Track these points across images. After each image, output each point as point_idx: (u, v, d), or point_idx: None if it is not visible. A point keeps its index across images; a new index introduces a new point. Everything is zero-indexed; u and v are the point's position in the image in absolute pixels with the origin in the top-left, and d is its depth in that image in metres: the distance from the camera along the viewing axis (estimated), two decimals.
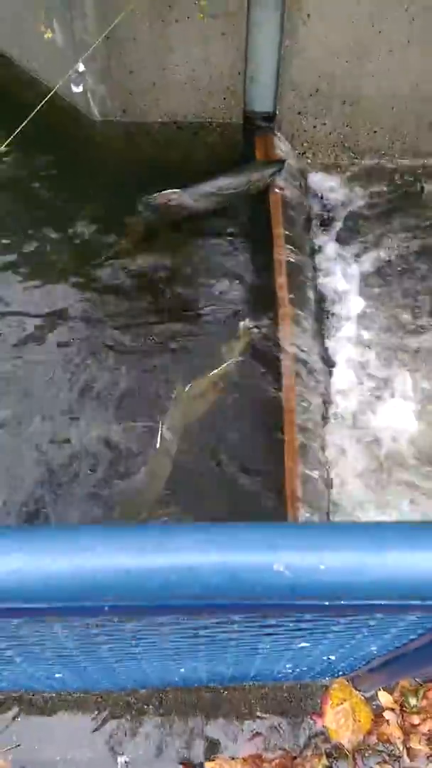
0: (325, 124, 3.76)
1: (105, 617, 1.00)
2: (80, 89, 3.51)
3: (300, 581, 0.75)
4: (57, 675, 1.43)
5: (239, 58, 3.50)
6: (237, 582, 0.75)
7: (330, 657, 1.41)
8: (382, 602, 0.97)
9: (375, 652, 1.45)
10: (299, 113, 3.71)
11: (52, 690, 2.01)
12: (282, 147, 3.79)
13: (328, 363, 3.19)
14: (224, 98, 3.68)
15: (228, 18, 3.28)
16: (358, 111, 3.68)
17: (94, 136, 3.72)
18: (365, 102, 3.62)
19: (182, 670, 1.45)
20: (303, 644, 1.23)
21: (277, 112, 3.78)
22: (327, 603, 0.98)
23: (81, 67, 3.16)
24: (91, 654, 1.22)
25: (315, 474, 2.71)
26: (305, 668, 1.62)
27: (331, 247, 3.58)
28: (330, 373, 3.17)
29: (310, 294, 3.35)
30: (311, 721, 2.22)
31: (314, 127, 3.78)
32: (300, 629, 1.11)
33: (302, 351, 3.01)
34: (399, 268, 3.55)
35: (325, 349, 3.25)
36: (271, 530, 0.77)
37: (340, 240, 3.61)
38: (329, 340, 3.26)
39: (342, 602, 0.98)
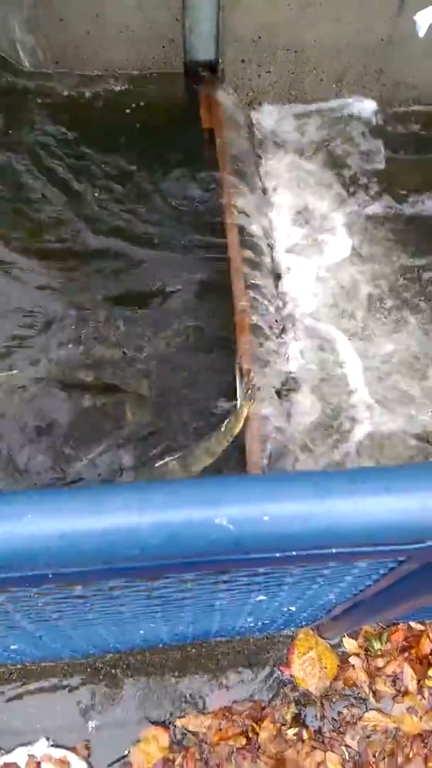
0: (269, 72, 3.64)
1: (49, 586, 0.96)
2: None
3: (244, 534, 0.72)
4: (13, 647, 1.40)
5: (177, 6, 3.33)
6: (178, 540, 0.72)
7: (290, 608, 1.41)
8: (333, 551, 0.96)
9: (334, 601, 1.45)
10: (242, 61, 3.58)
11: (12, 662, 1.98)
12: (226, 97, 3.67)
13: None
14: (163, 47, 3.52)
15: None
16: (302, 59, 3.57)
17: (26, 88, 3.52)
18: (309, 50, 3.51)
19: (142, 632, 1.43)
20: (260, 597, 1.21)
21: (220, 61, 3.64)
22: (278, 555, 0.97)
23: None
24: (43, 623, 1.18)
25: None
26: (267, 621, 1.62)
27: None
28: None
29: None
30: (279, 672, 2.26)
31: (259, 76, 3.66)
32: (255, 583, 1.09)
33: None
34: None
35: None
36: (212, 484, 0.74)
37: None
38: None
39: (293, 553, 0.97)
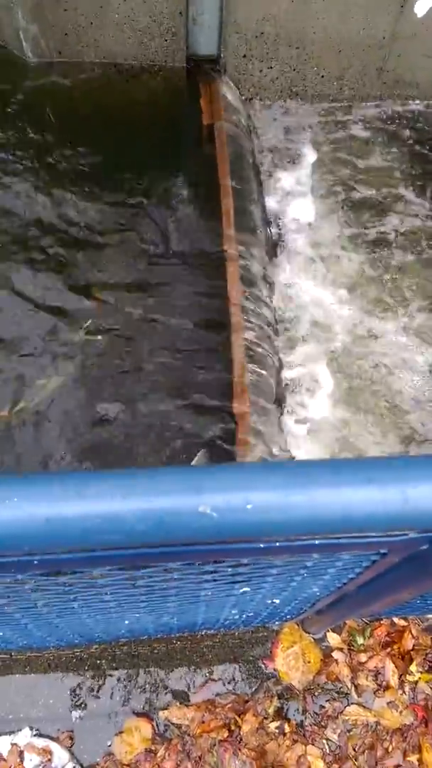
0: (271, 68, 3.64)
1: (35, 572, 0.97)
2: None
3: (226, 522, 0.73)
4: None
5: None
6: (162, 526, 0.72)
7: (274, 600, 1.42)
8: (316, 542, 0.97)
9: (318, 594, 1.47)
10: (244, 56, 3.58)
11: None
12: (228, 92, 3.67)
13: None
14: (165, 40, 3.51)
15: None
16: (304, 55, 3.58)
17: (28, 78, 3.51)
18: (311, 46, 3.52)
19: (126, 622, 1.44)
20: (244, 589, 1.22)
21: (222, 56, 3.64)
22: (262, 546, 0.98)
23: None
24: (29, 611, 1.19)
25: None
26: (251, 614, 1.63)
27: None
28: None
29: None
30: (262, 665, 2.27)
31: (260, 71, 3.66)
32: (239, 574, 1.10)
33: None
34: None
35: None
36: (196, 472, 0.75)
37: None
38: None
39: (276, 544, 0.98)
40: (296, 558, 1.07)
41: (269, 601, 1.43)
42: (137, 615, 1.34)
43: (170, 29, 3.46)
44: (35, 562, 0.93)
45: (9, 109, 3.37)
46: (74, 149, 3.29)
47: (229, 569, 1.06)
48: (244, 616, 1.65)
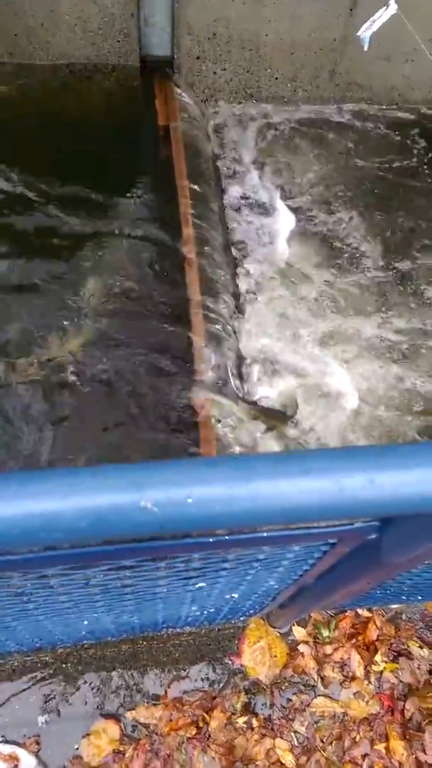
0: (225, 69, 3.67)
1: None
2: None
3: (168, 516, 0.74)
4: None
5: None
6: (104, 523, 0.73)
7: (232, 595, 1.44)
8: (264, 534, 0.99)
9: (276, 587, 1.49)
10: (198, 58, 3.60)
11: None
12: (183, 93, 3.68)
13: None
14: (118, 41, 3.51)
15: None
16: (257, 57, 3.61)
17: None
18: (264, 48, 3.55)
19: (86, 622, 1.44)
20: (200, 584, 1.24)
21: (176, 57, 3.65)
22: (211, 540, 1.00)
23: None
24: None
25: None
26: (212, 609, 1.65)
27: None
28: None
29: None
30: (229, 662, 2.29)
31: (214, 72, 3.68)
32: (192, 569, 1.11)
33: None
34: None
35: None
36: (137, 469, 0.75)
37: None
38: None
39: (225, 537, 1.00)
40: (247, 551, 1.08)
41: (228, 596, 1.45)
42: (95, 615, 1.34)
43: (122, 30, 3.46)
44: None
45: None
46: (27, 149, 3.26)
47: (182, 564, 1.07)
48: (205, 612, 1.66)
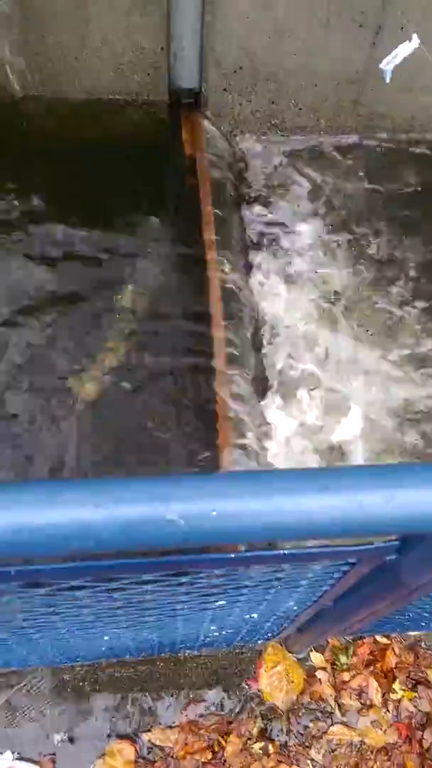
0: (250, 101, 3.77)
1: (12, 583, 0.99)
2: None
3: (193, 528, 0.77)
4: None
5: (162, 33, 3.45)
6: (130, 533, 0.76)
7: (252, 615, 1.45)
8: (284, 552, 1.01)
9: (296, 609, 1.50)
10: (225, 90, 3.70)
11: None
12: (209, 125, 3.78)
13: None
14: (148, 74, 3.63)
15: None
16: (282, 89, 3.70)
17: (13, 111, 3.61)
18: (288, 80, 3.65)
19: (106, 638, 1.46)
20: (220, 602, 1.25)
21: (203, 90, 3.76)
22: (233, 555, 1.02)
23: None
24: (8, 625, 1.21)
25: None
26: (231, 630, 1.65)
27: None
28: None
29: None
30: (246, 686, 2.28)
31: (240, 104, 3.78)
32: (214, 585, 1.14)
33: None
34: None
35: None
36: (164, 482, 0.79)
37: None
38: None
39: (247, 554, 1.02)
40: (267, 569, 1.10)
41: (247, 616, 1.46)
42: (117, 630, 1.36)
43: (153, 64, 3.58)
44: (12, 573, 0.96)
45: None
46: (60, 179, 3.38)
47: (203, 581, 1.09)
48: (223, 632, 1.67)
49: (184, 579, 1.08)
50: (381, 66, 2.63)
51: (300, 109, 3.82)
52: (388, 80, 2.61)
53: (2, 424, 2.64)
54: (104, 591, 1.08)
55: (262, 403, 3.03)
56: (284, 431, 2.93)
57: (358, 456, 2.94)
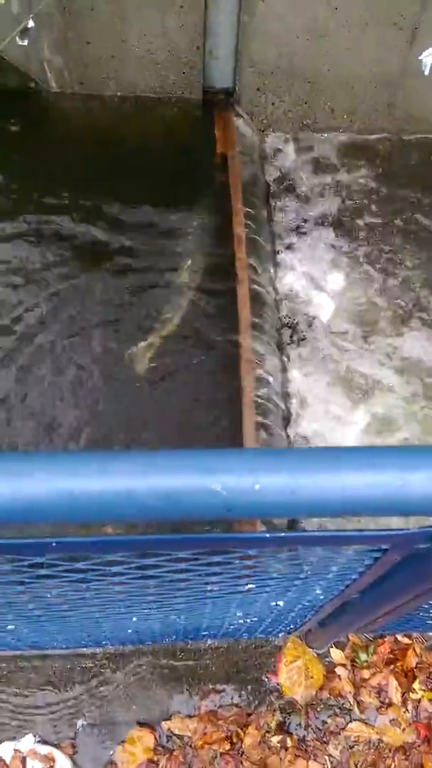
0: (284, 101, 3.78)
1: (52, 555, 1.02)
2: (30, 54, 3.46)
3: (235, 500, 0.79)
4: (9, 627, 1.45)
5: (198, 33, 3.49)
6: (174, 502, 0.78)
7: (278, 603, 1.46)
8: (317, 533, 1.02)
9: (321, 598, 1.50)
10: (258, 90, 3.73)
11: (7, 648, 2.02)
12: (241, 124, 3.81)
13: None
14: (183, 73, 3.67)
15: None
16: (316, 89, 3.72)
17: (51, 109, 3.68)
18: (323, 81, 3.66)
19: (134, 619, 1.48)
20: (249, 585, 1.27)
21: (237, 89, 3.79)
22: (267, 535, 1.04)
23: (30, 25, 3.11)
24: (42, 600, 1.24)
25: None
26: (255, 618, 1.67)
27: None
28: None
29: None
30: (266, 679, 2.29)
31: (273, 104, 3.80)
32: (245, 566, 1.15)
33: None
34: None
35: None
36: (210, 455, 0.81)
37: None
38: None
39: (281, 535, 1.03)
40: (299, 553, 1.11)
41: (273, 603, 1.47)
42: (145, 611, 1.38)
43: (188, 63, 3.61)
44: (53, 544, 0.99)
45: (28, 136, 3.53)
46: (94, 176, 3.43)
47: (236, 561, 1.11)
48: (248, 620, 1.68)
49: (217, 558, 1.10)
50: (421, 57, 2.62)
51: (333, 110, 3.83)
52: (427, 72, 2.60)
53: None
54: (138, 568, 1.10)
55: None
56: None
57: None
